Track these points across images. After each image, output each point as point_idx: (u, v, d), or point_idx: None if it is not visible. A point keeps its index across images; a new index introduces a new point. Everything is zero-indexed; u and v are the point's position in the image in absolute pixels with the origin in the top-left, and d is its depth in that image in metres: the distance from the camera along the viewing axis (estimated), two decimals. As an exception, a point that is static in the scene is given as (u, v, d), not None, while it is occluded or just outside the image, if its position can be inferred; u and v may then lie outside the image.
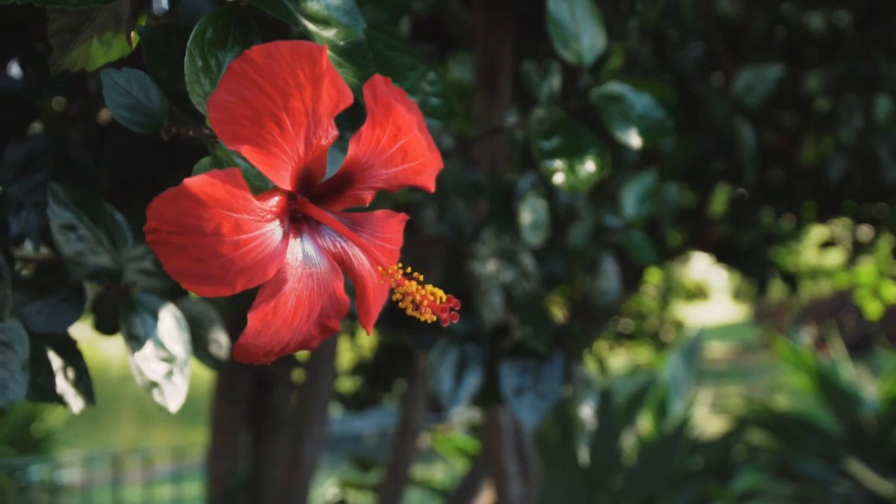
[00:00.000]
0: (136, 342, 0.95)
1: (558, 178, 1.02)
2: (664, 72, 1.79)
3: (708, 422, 5.54)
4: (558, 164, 1.03)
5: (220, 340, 1.27)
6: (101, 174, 1.12)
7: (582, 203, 1.67)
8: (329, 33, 0.73)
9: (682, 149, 1.77)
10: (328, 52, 0.72)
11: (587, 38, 1.06)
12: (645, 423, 4.22)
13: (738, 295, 9.12)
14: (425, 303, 0.61)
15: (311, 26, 0.72)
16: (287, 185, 0.60)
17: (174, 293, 1.24)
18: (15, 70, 1.18)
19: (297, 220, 0.63)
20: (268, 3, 0.67)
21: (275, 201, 0.60)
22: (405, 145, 0.64)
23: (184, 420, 7.33)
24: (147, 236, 0.56)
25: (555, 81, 1.12)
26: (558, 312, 2.87)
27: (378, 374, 2.00)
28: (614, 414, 3.56)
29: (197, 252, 0.57)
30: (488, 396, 1.67)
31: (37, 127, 1.16)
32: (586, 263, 1.70)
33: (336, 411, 2.61)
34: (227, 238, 0.57)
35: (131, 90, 0.70)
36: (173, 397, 0.96)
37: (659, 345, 4.65)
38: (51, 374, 0.96)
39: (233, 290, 0.58)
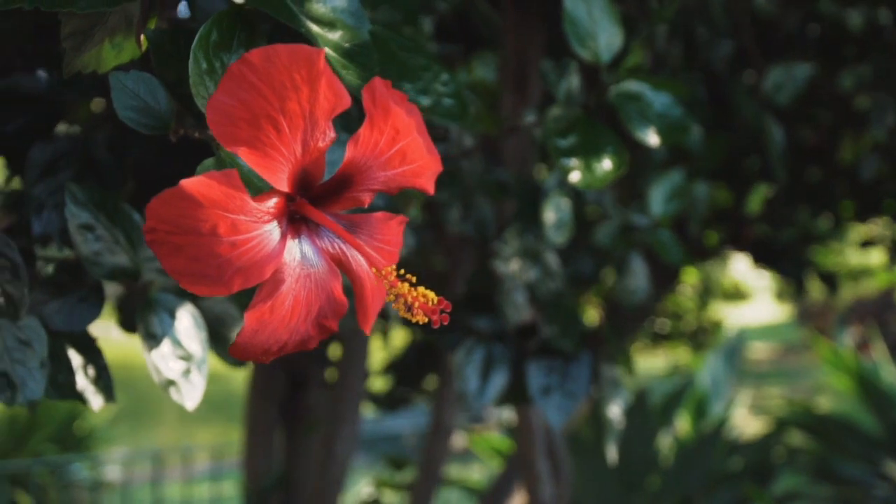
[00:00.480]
0: (153, 340, 0.96)
1: (574, 176, 1.02)
2: (693, 70, 1.78)
3: (748, 423, 5.49)
4: (574, 162, 1.03)
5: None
6: (125, 175, 1.13)
7: (610, 201, 1.67)
8: (334, 35, 0.73)
9: (711, 147, 1.76)
10: (333, 53, 0.72)
11: (604, 36, 1.06)
12: (683, 424, 4.20)
13: (781, 295, 9.02)
14: (416, 304, 0.61)
15: (315, 28, 0.72)
16: (284, 186, 0.60)
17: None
18: (41, 72, 1.20)
19: (296, 221, 0.63)
20: (270, 6, 0.68)
21: (273, 202, 0.61)
22: (404, 148, 0.64)
23: (225, 419, 7.38)
24: (146, 236, 0.57)
25: (573, 80, 1.12)
26: (594, 312, 2.85)
27: (408, 374, 2.01)
28: (650, 414, 3.54)
29: (194, 252, 0.58)
30: (515, 396, 1.67)
31: (62, 128, 1.17)
32: (615, 262, 1.70)
33: (376, 411, 2.61)
34: (224, 238, 0.58)
35: (139, 92, 0.71)
36: (190, 395, 0.97)
37: (696, 345, 4.61)
38: (71, 372, 0.97)
39: (230, 290, 0.59)
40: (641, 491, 3.49)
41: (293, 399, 2.61)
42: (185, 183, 0.56)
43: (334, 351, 2.38)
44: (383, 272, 0.62)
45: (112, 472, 5.61)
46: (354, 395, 2.26)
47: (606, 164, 1.04)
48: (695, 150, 1.67)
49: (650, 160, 1.69)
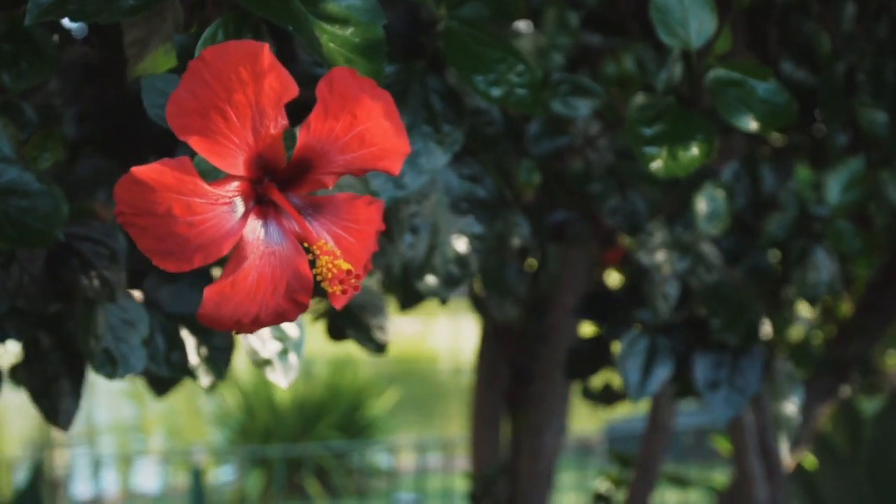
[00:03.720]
0: (251, 323, 1.04)
1: (656, 165, 1.02)
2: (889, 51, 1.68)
3: None
4: (657, 150, 1.02)
5: (384, 326, 1.36)
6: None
7: (790, 191, 1.61)
8: (346, 31, 0.78)
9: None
10: (339, 48, 0.77)
11: (696, 23, 1.04)
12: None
13: None
14: (330, 275, 0.65)
15: (326, 25, 0.77)
16: (240, 171, 0.66)
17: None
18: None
19: (265, 202, 0.69)
20: (268, 10, 0.73)
21: (234, 186, 0.66)
22: (362, 132, 0.68)
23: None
24: (117, 218, 0.64)
25: (676, 70, 1.10)
26: (846, 307, 2.71)
27: (578, 367, 2.01)
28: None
29: (156, 232, 0.64)
30: (682, 390, 1.65)
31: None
32: (795, 254, 1.63)
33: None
34: (180, 219, 0.64)
35: (167, 91, 0.79)
36: (286, 374, 1.05)
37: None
38: (183, 351, 1.07)
39: (192, 265, 0.66)
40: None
41: (516, 390, 2.66)
42: (136, 169, 0.63)
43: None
44: (314, 247, 0.66)
45: (388, 459, 5.89)
46: (562, 388, 2.29)
47: (693, 152, 1.03)
48: (881, 136, 1.58)
49: (831, 146, 1.61)
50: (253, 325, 0.69)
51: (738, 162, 1.62)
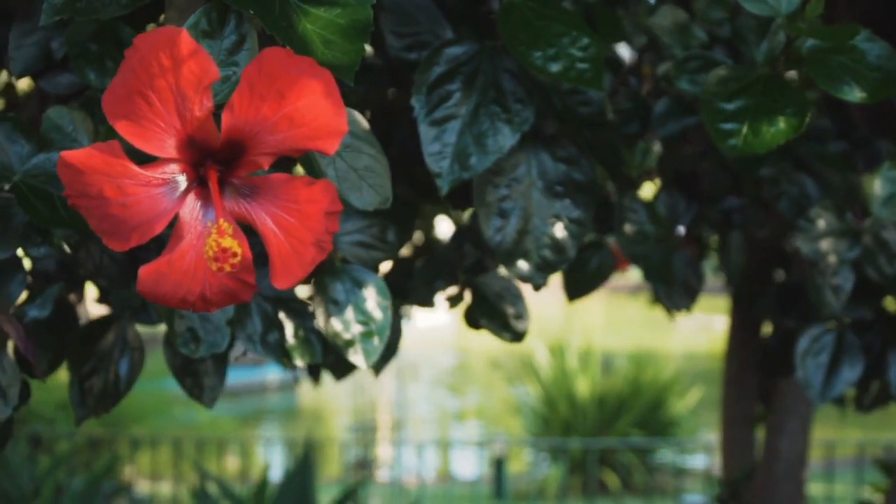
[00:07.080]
0: (335, 306, 1.06)
1: (731, 142, 0.94)
2: None
3: None
4: (736, 126, 0.94)
5: (523, 314, 1.34)
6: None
7: None
8: (332, 13, 0.78)
9: None
10: (320, 31, 0.78)
11: (786, -14, 0.95)
12: None
13: None
14: (211, 253, 0.65)
15: (310, 7, 0.78)
16: (171, 153, 0.68)
17: (475, 270, 1.34)
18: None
19: (206, 184, 0.70)
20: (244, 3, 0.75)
21: (170, 168, 0.69)
22: (291, 112, 0.68)
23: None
24: (67, 200, 0.68)
25: (779, 39, 1.01)
26: None
27: (770, 363, 1.86)
28: None
29: (95, 213, 0.68)
30: (879, 394, 1.50)
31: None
32: None
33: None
34: (113, 200, 0.67)
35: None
36: (368, 356, 1.06)
37: None
38: (281, 333, 1.11)
39: (129, 244, 0.69)
40: None
41: (767, 390, 2.52)
42: (65, 153, 0.66)
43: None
44: (215, 227, 0.66)
45: (695, 459, 5.75)
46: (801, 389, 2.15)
47: (780, 126, 0.94)
48: None
49: None
50: (202, 304, 0.71)
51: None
